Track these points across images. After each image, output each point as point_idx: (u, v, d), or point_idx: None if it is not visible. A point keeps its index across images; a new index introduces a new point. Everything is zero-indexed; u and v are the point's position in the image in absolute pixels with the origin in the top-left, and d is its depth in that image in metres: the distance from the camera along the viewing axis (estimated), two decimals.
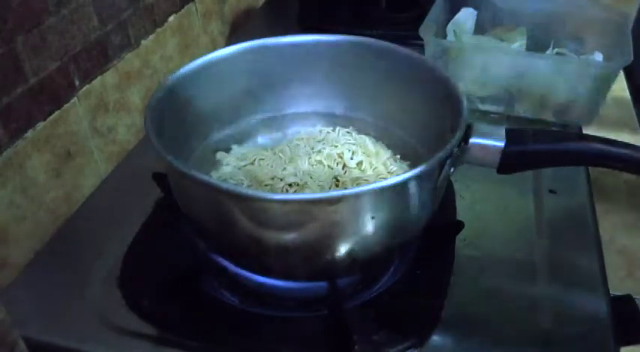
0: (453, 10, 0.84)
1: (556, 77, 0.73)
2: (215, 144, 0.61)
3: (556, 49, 0.79)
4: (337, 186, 0.55)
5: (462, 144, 0.48)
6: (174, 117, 0.54)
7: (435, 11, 0.79)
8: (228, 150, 0.62)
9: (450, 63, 0.75)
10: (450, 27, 0.83)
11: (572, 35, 0.81)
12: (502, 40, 0.80)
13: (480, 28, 0.84)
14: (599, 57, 0.77)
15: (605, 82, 0.72)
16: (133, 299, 0.53)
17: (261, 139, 0.64)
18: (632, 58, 0.68)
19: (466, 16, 0.83)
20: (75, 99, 0.63)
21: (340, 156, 0.58)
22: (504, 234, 0.59)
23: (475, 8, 0.84)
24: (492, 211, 0.62)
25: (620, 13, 0.78)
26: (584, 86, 0.72)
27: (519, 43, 0.79)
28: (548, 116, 0.75)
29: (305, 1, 1.03)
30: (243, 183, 0.56)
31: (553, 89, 0.73)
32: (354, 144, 0.59)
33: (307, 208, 0.43)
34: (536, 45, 0.80)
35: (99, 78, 0.67)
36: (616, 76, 0.72)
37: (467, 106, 0.49)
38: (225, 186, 0.44)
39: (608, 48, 0.77)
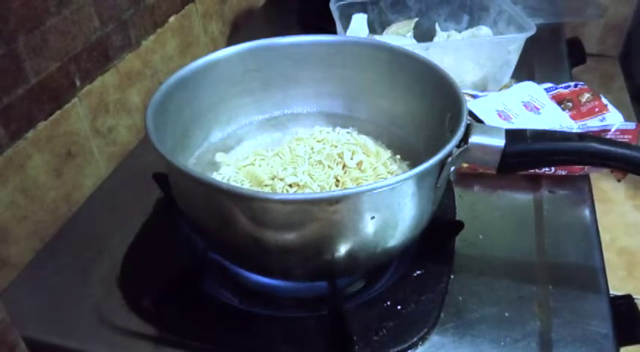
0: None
1: (459, 61, 0.77)
2: (215, 144, 0.62)
3: (446, 33, 0.84)
4: (337, 186, 0.55)
5: (462, 143, 0.48)
6: (175, 118, 0.54)
7: (343, 25, 0.82)
8: (228, 150, 0.62)
9: None
10: (349, 34, 0.85)
11: (454, 16, 0.88)
12: (401, 35, 0.85)
13: (371, 30, 0.88)
14: (483, 31, 0.82)
15: (506, 54, 0.76)
16: (133, 299, 0.53)
17: (261, 139, 0.64)
18: (533, 30, 0.73)
19: (359, 21, 0.87)
20: (76, 99, 0.63)
21: (340, 156, 0.58)
22: (504, 234, 0.59)
23: (363, 13, 0.88)
24: (492, 211, 0.62)
25: None
26: (492, 63, 0.77)
27: (408, 34, 0.85)
28: (468, 90, 0.77)
29: (305, 1, 1.03)
30: (243, 184, 0.56)
31: (461, 71, 0.77)
32: (354, 144, 0.59)
33: (307, 208, 0.43)
34: (425, 35, 0.87)
35: (99, 78, 0.67)
36: (517, 46, 0.76)
37: (467, 105, 0.49)
38: (225, 186, 0.44)
39: (493, 20, 0.84)
